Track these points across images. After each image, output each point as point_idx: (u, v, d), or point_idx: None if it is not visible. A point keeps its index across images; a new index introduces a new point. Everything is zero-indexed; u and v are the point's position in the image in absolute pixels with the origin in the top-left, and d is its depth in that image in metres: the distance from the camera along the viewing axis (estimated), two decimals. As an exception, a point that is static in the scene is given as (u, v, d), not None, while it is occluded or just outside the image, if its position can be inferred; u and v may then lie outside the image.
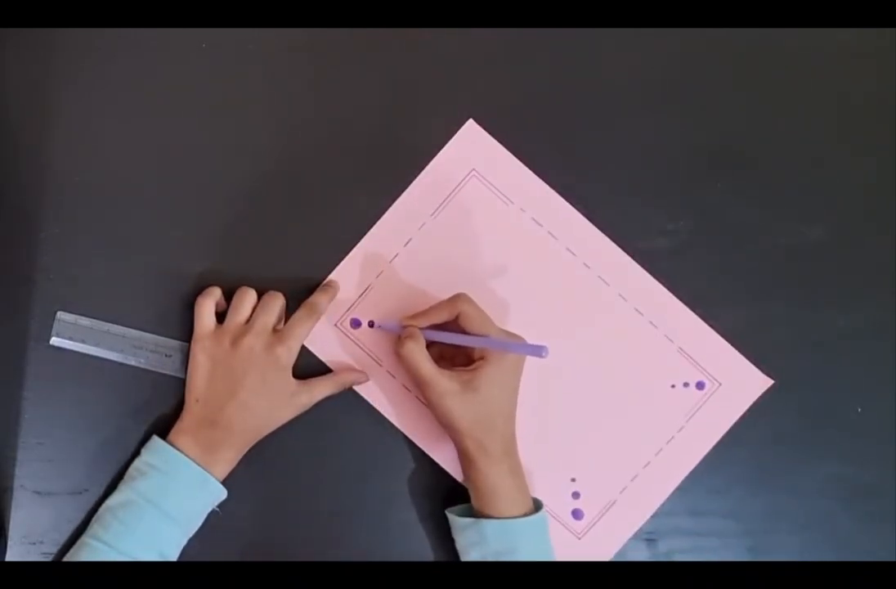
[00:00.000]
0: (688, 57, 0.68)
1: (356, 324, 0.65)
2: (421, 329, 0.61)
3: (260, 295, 0.63)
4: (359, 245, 0.65)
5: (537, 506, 0.61)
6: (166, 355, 0.64)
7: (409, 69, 0.66)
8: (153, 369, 0.63)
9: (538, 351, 0.55)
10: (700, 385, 0.66)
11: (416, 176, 0.66)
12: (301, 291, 0.65)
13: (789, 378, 0.67)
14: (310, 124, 0.66)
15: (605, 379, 0.66)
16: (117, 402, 0.64)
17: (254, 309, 0.62)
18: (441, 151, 0.66)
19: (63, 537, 0.63)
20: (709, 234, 0.68)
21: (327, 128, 0.66)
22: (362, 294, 0.65)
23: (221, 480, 0.60)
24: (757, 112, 0.68)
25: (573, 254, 0.66)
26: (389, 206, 0.66)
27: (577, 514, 0.65)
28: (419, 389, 0.62)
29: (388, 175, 0.66)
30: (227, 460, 0.60)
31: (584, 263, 0.66)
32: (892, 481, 0.67)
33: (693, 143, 0.68)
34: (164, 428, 0.63)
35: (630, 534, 0.65)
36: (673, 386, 0.66)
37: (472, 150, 0.66)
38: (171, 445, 0.60)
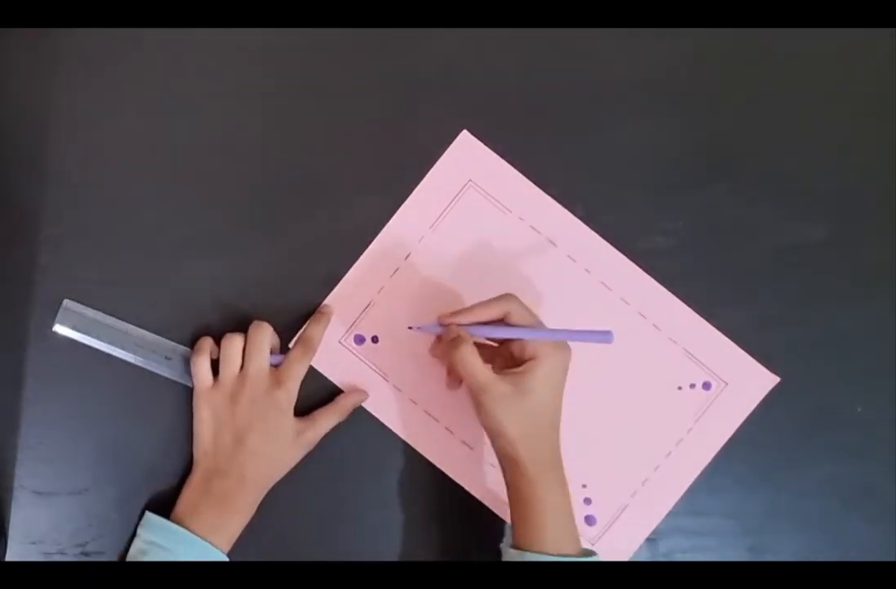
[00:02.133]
0: (687, 57, 0.68)
1: (360, 340, 0.65)
2: (466, 327, 0.60)
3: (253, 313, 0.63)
4: (359, 261, 0.65)
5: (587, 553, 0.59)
6: (166, 357, 0.63)
7: (403, 74, 0.66)
8: (152, 370, 0.63)
9: (605, 337, 0.53)
10: (706, 385, 0.66)
11: (415, 182, 0.66)
12: (302, 292, 0.65)
13: (789, 378, 0.67)
14: (308, 126, 0.66)
15: (612, 384, 0.66)
16: (118, 402, 0.64)
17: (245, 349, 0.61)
18: (437, 163, 0.66)
19: (63, 537, 0.63)
20: (709, 235, 0.68)
21: (326, 130, 0.66)
22: (364, 310, 0.65)
23: (238, 533, 0.60)
24: (757, 112, 0.68)
25: (573, 260, 0.66)
26: (387, 214, 0.65)
27: (589, 520, 0.65)
28: (471, 394, 0.59)
29: (386, 179, 0.66)
30: (245, 510, 0.60)
31: (586, 269, 0.66)
32: (892, 481, 0.67)
33: (693, 143, 0.68)
34: (164, 428, 0.63)
35: (643, 538, 0.65)
36: (680, 388, 0.66)
37: (467, 160, 0.66)
38: (183, 503, 0.60)
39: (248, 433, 0.60)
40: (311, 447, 0.63)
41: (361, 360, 0.65)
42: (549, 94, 0.67)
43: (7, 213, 0.64)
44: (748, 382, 0.67)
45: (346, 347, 0.65)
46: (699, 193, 0.67)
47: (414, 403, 0.65)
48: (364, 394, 0.65)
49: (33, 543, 0.63)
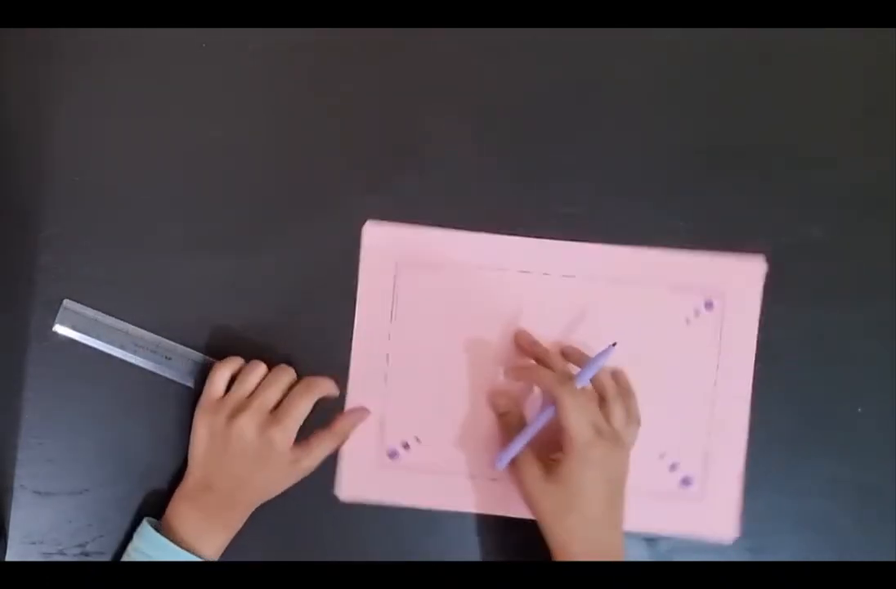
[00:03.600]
0: (687, 57, 0.68)
1: (393, 454, 0.65)
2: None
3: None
4: (350, 382, 0.64)
5: None
6: (166, 357, 0.63)
7: (403, 73, 0.66)
8: (152, 370, 0.63)
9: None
10: (708, 306, 0.66)
11: (415, 182, 0.66)
12: (302, 292, 0.65)
13: (789, 378, 0.67)
14: (307, 125, 0.66)
15: (627, 344, 0.65)
16: (118, 402, 0.64)
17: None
18: (360, 263, 0.65)
19: (63, 537, 0.63)
20: (709, 234, 0.68)
21: (326, 128, 0.66)
22: (382, 422, 0.65)
23: (225, 545, 0.60)
24: (756, 112, 0.68)
25: (528, 272, 0.66)
26: (387, 214, 0.65)
27: (686, 481, 0.66)
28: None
29: (386, 179, 0.66)
30: (232, 525, 0.60)
31: (544, 273, 0.66)
32: (892, 481, 0.67)
33: (693, 143, 0.68)
34: (164, 428, 0.63)
35: (739, 469, 0.65)
36: (687, 321, 0.66)
37: (385, 247, 0.65)
38: (171, 511, 0.60)
39: (237, 462, 0.59)
40: (308, 473, 0.61)
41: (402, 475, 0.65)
42: (548, 94, 0.67)
43: (7, 213, 0.64)
44: (740, 280, 0.66)
45: (384, 467, 0.65)
46: (699, 193, 0.67)
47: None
48: (365, 412, 0.64)
49: (33, 543, 0.63)
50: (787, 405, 0.67)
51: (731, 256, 0.67)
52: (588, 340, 0.66)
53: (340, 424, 0.63)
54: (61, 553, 0.63)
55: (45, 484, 0.63)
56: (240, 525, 0.61)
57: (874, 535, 0.67)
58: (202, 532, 0.59)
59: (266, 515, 0.63)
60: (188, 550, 0.58)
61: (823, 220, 0.68)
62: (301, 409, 0.60)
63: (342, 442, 0.63)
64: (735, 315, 0.66)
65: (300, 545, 0.64)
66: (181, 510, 0.60)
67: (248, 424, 0.59)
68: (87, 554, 0.63)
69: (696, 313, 0.67)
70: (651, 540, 0.66)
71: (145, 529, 0.59)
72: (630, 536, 0.66)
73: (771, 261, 0.68)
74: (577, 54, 0.67)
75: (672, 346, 0.66)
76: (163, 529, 0.59)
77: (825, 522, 0.67)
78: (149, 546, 0.59)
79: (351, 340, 0.65)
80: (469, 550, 0.65)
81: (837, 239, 0.68)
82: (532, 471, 0.59)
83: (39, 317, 0.63)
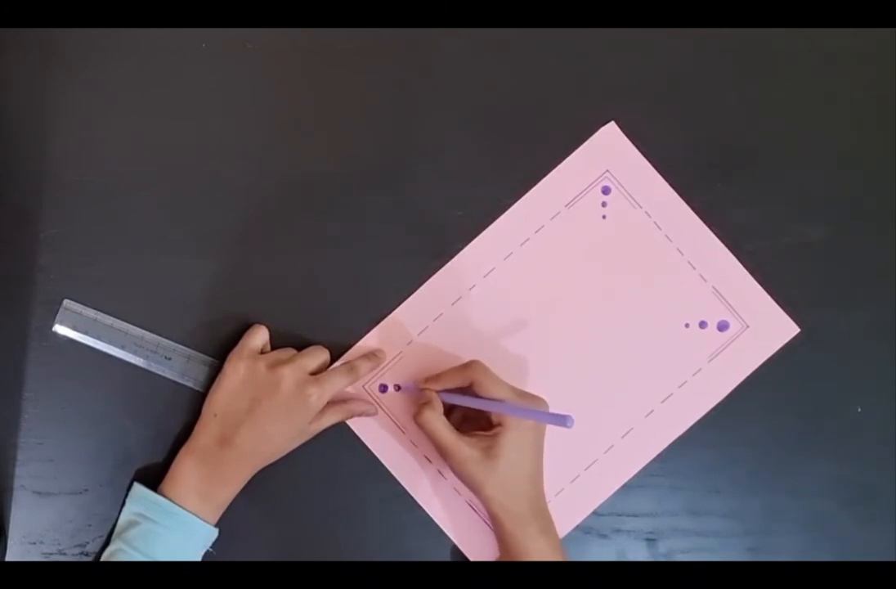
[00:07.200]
0: (687, 57, 0.68)
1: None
2: (440, 392, 0.61)
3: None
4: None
5: None
6: (166, 358, 0.63)
7: (410, 71, 0.66)
8: (152, 370, 0.63)
9: (562, 421, 0.52)
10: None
11: (414, 182, 0.66)
12: (302, 293, 0.65)
13: (789, 378, 0.67)
14: (307, 125, 0.66)
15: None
16: (118, 402, 0.64)
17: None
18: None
19: (63, 537, 0.63)
20: (709, 234, 0.68)
21: (327, 128, 0.66)
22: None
23: (227, 504, 0.60)
24: (757, 112, 0.68)
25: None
26: (387, 215, 0.65)
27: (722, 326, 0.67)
28: (440, 455, 0.61)
29: (387, 179, 0.66)
30: (237, 483, 0.60)
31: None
32: (892, 481, 0.67)
33: (693, 143, 0.68)
34: (164, 428, 0.63)
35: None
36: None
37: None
38: (175, 469, 0.59)
39: (263, 408, 0.59)
40: (309, 438, 0.62)
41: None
42: (549, 94, 0.67)
43: (7, 213, 0.64)
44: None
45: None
46: (699, 193, 0.67)
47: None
48: (374, 408, 0.64)
49: (33, 543, 0.63)
50: (787, 405, 0.67)
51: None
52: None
53: (352, 406, 0.63)
54: (61, 553, 0.63)
55: (45, 484, 0.63)
56: (243, 485, 0.60)
57: (874, 535, 0.67)
58: (207, 494, 0.59)
59: (266, 513, 0.63)
60: (191, 511, 0.58)
61: (823, 221, 0.68)
62: (337, 382, 0.61)
63: (347, 418, 0.63)
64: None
65: (300, 544, 0.64)
66: (188, 466, 0.59)
67: (290, 374, 0.59)
68: (87, 554, 0.63)
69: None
70: (651, 540, 0.66)
71: (143, 493, 0.59)
72: (633, 532, 0.66)
73: (771, 261, 0.68)
74: (578, 54, 0.67)
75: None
76: (162, 489, 0.59)
77: (825, 522, 0.67)
78: (148, 508, 0.58)
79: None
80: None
81: (837, 239, 0.68)
82: (471, 453, 0.58)
83: (39, 317, 0.63)
